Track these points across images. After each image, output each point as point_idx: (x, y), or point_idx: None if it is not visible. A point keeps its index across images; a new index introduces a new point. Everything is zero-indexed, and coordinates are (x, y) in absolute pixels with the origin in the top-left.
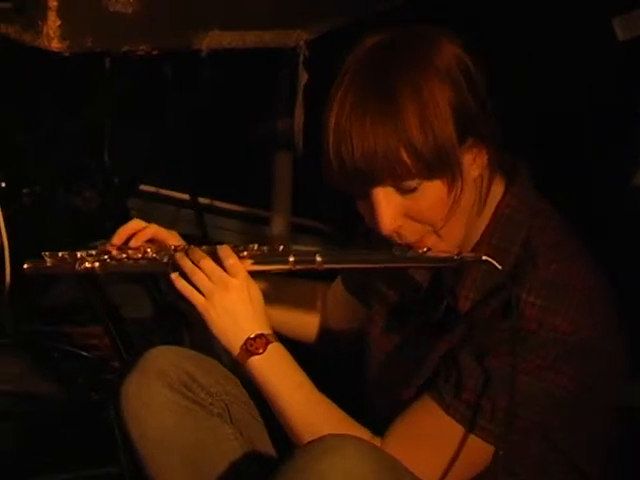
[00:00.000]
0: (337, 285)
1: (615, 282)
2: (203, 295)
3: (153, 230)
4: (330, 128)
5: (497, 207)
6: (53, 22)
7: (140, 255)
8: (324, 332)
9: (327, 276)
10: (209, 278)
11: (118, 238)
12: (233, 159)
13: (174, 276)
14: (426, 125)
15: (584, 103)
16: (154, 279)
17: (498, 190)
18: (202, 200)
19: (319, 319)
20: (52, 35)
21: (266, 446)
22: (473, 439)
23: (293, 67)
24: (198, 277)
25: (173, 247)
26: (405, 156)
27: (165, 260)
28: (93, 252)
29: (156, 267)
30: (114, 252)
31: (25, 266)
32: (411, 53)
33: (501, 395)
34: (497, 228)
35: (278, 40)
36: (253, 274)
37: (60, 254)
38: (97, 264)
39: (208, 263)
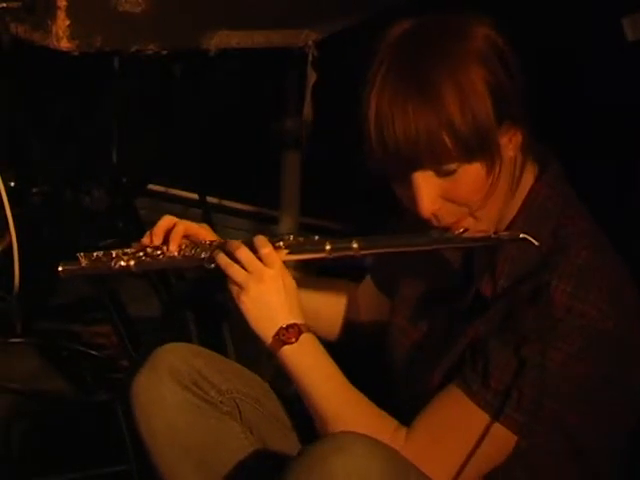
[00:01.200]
0: (367, 282)
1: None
2: (238, 285)
3: (183, 227)
4: (371, 116)
5: (528, 194)
6: (62, 21)
7: (176, 252)
8: (352, 329)
9: (356, 276)
10: (245, 268)
11: (156, 238)
12: (241, 158)
13: (221, 259)
14: (465, 107)
15: (591, 103)
16: (162, 276)
17: (529, 176)
18: (210, 199)
19: (348, 317)
20: (61, 35)
21: (276, 444)
22: (498, 427)
23: (302, 67)
24: (233, 268)
25: (209, 242)
26: (447, 139)
27: (202, 256)
28: (128, 250)
29: (192, 263)
30: (149, 249)
31: (60, 268)
32: (444, 38)
33: (528, 384)
34: (528, 216)
35: (286, 40)
36: (289, 264)
37: (95, 254)
38: (132, 262)
39: (244, 252)
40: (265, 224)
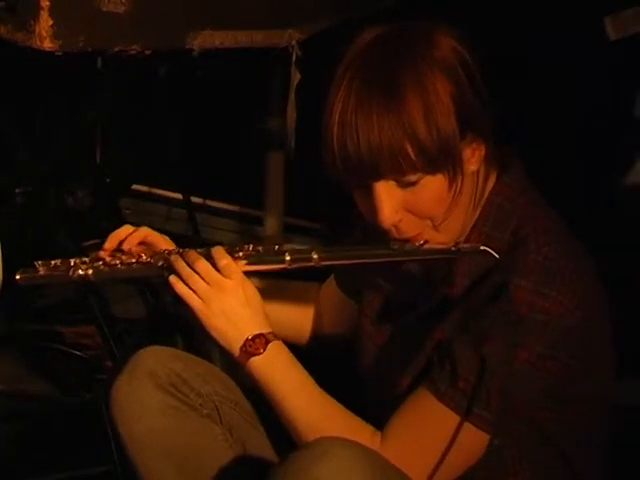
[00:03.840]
0: (330, 285)
1: (610, 284)
2: (200, 298)
3: (144, 233)
4: (334, 123)
5: (489, 196)
6: (45, 22)
7: (134, 260)
8: (318, 334)
9: (321, 277)
10: (204, 280)
11: (109, 244)
12: (226, 158)
13: (173, 279)
14: (430, 119)
15: (575, 103)
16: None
17: (491, 179)
18: (194, 199)
19: (313, 321)
20: (44, 35)
21: (256, 446)
22: (469, 427)
23: (285, 67)
24: (194, 280)
25: (167, 251)
26: (410, 149)
27: (160, 264)
28: (86, 259)
29: (150, 271)
30: (107, 258)
31: (18, 277)
32: (411, 47)
33: (495, 382)
34: (489, 216)
35: (270, 40)
36: (249, 274)
37: (53, 262)
38: (90, 271)
39: (203, 265)
40: (249, 224)
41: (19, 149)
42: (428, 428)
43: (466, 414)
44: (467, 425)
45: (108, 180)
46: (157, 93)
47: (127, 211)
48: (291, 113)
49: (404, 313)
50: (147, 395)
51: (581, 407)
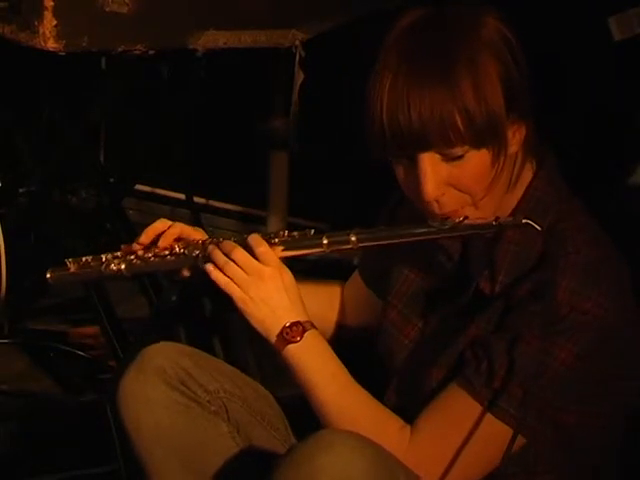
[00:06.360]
0: (355, 280)
1: None
2: (239, 286)
3: (179, 229)
4: (384, 97)
5: (527, 189)
6: (49, 22)
7: (167, 252)
8: (342, 330)
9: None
10: (242, 269)
11: (145, 237)
12: (229, 158)
13: (210, 268)
14: (480, 94)
15: (579, 103)
16: (152, 278)
17: (527, 172)
18: (198, 200)
19: (338, 318)
20: (48, 35)
21: (263, 444)
22: (502, 426)
23: (289, 67)
24: (232, 269)
25: (202, 242)
26: (459, 121)
27: (195, 254)
28: (118, 253)
29: (185, 263)
30: (140, 251)
31: (48, 275)
32: (460, 26)
33: (532, 382)
34: (527, 209)
35: (274, 40)
36: (286, 260)
37: (84, 259)
38: (123, 265)
39: (240, 253)
40: (253, 224)
41: (23, 149)
42: (460, 425)
43: (501, 413)
44: (500, 424)
45: (112, 180)
46: (160, 93)
47: (130, 211)
48: (294, 113)
49: (436, 307)
50: (154, 391)
51: (608, 411)
